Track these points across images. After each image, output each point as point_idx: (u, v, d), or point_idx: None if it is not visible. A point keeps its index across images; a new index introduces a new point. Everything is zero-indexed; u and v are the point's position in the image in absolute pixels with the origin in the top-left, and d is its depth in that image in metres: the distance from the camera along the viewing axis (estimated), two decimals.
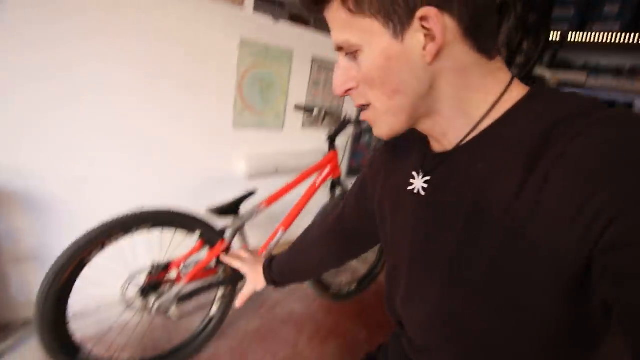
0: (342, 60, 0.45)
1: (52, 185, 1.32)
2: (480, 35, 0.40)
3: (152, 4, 1.33)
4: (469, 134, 0.44)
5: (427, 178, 0.50)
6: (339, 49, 0.44)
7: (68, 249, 0.99)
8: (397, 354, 0.67)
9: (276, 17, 1.67)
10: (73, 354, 1.06)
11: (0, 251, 1.29)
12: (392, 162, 0.61)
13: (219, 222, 1.33)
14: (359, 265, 2.23)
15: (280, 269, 0.84)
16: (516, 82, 0.43)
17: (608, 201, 0.31)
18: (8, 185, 1.24)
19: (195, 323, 1.42)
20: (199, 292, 1.27)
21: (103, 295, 1.30)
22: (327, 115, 1.74)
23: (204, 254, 1.31)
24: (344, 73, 0.45)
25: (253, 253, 1.02)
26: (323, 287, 1.76)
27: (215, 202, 1.31)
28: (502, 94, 0.42)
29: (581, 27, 3.50)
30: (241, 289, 1.42)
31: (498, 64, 0.43)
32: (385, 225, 0.61)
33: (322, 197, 1.72)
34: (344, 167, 1.90)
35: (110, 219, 1.06)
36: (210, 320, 1.39)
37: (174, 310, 1.22)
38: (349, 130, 2.01)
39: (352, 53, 0.43)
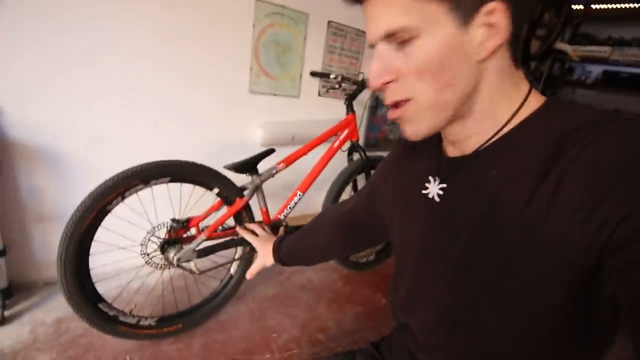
0: (382, 50, 0.42)
1: (73, 145, 1.33)
2: (517, 43, 0.42)
3: None
4: (490, 139, 0.44)
5: (444, 185, 0.50)
6: (388, 36, 0.41)
7: (89, 196, 0.98)
8: (402, 348, 0.66)
9: None
10: (94, 302, 1.06)
11: (24, 209, 1.31)
12: (404, 165, 0.62)
13: (238, 182, 1.31)
14: None
15: (288, 249, 0.87)
16: (534, 92, 0.44)
17: (617, 205, 0.32)
18: (33, 141, 1.25)
19: (214, 283, 1.41)
20: (218, 247, 1.26)
21: (124, 255, 1.30)
22: (344, 80, 1.69)
23: (224, 211, 1.30)
24: (384, 64, 0.42)
25: (267, 230, 1.09)
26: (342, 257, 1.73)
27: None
28: (523, 103, 0.43)
29: None
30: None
31: (521, 74, 0.45)
32: (394, 226, 0.62)
33: (339, 164, 1.69)
34: (360, 137, 1.86)
35: (130, 168, 1.04)
36: (230, 279, 1.38)
37: (193, 264, 1.21)
38: (365, 98, 1.97)
39: (404, 41, 0.40)
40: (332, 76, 1.71)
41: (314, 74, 1.87)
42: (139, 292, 1.39)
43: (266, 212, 1.41)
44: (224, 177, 1.24)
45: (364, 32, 2.04)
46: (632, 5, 3.12)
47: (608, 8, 3.28)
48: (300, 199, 1.48)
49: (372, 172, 1.67)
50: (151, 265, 1.18)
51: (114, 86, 1.35)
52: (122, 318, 1.12)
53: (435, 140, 0.55)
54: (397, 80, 0.42)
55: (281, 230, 1.42)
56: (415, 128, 0.45)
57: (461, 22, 0.38)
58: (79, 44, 1.24)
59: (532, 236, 0.38)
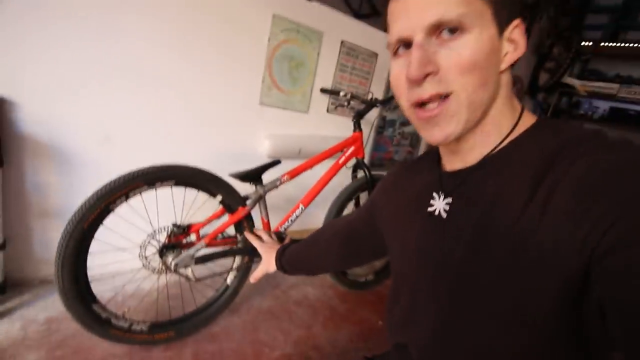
0: (424, 42, 0.42)
1: (83, 143, 1.34)
2: (513, 67, 0.46)
3: None
4: (492, 151, 0.47)
5: (449, 200, 0.51)
6: (435, 27, 0.41)
7: (94, 193, 0.99)
8: None
9: None
10: (88, 303, 1.05)
11: (27, 203, 1.31)
12: (405, 184, 0.63)
13: (242, 191, 1.32)
14: None
15: (291, 257, 0.89)
16: (526, 110, 0.49)
17: (604, 213, 0.33)
18: (44, 136, 1.26)
19: (209, 292, 1.39)
20: (216, 256, 1.25)
21: (121, 257, 1.29)
22: (353, 99, 1.72)
23: (225, 219, 1.29)
24: (427, 54, 0.41)
25: (273, 237, 1.12)
26: (340, 274, 1.71)
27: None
28: (519, 119, 0.47)
29: (614, 36, 3.43)
30: (258, 261, 1.41)
31: (513, 94, 0.49)
32: (394, 244, 0.63)
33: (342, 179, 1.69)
34: (366, 157, 1.87)
35: (136, 170, 1.05)
36: (226, 289, 1.36)
37: (190, 271, 1.20)
38: (372, 117, 1.99)
39: (451, 35, 0.41)
40: (341, 94, 1.75)
41: (324, 90, 1.90)
42: (133, 295, 1.37)
43: (267, 223, 1.40)
44: (228, 185, 1.24)
45: (375, 54, 2.09)
46: None
47: (617, 46, 3.34)
48: (302, 212, 1.48)
49: None
50: (148, 269, 1.17)
51: (129, 88, 1.38)
52: (114, 321, 1.10)
53: (435, 156, 0.57)
54: (438, 72, 0.42)
55: (287, 239, 1.41)
56: (450, 128, 0.44)
57: (499, 29, 0.42)
58: (100, 46, 1.27)
59: (526, 245, 0.39)
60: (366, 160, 1.68)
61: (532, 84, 3.39)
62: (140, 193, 1.09)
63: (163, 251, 1.18)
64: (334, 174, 1.53)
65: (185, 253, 1.16)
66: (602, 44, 3.39)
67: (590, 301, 0.37)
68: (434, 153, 0.58)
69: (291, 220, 1.47)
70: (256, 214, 1.36)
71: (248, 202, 1.30)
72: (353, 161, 1.65)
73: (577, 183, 0.36)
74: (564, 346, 0.41)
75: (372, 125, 1.90)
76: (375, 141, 2.33)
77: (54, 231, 1.36)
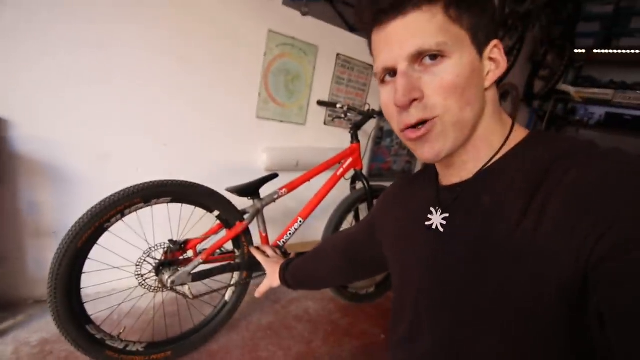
0: (408, 70, 0.44)
1: (78, 161, 1.34)
2: (499, 83, 0.49)
3: None
4: (485, 165, 0.48)
5: (446, 215, 0.51)
6: (417, 55, 0.43)
7: (88, 211, 0.97)
8: None
9: (304, 11, 1.70)
10: (82, 324, 1.02)
11: (21, 222, 1.29)
12: (405, 199, 0.64)
13: (240, 206, 1.30)
14: None
15: (294, 272, 0.90)
16: (517, 125, 0.50)
17: (597, 222, 0.34)
18: (39, 155, 1.25)
19: (207, 309, 1.36)
20: (214, 272, 1.23)
21: (117, 276, 1.27)
22: (350, 110, 1.72)
23: (223, 234, 1.28)
24: (411, 81, 0.44)
25: (278, 253, 1.13)
26: (341, 287, 1.68)
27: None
28: (510, 132, 0.49)
29: (606, 43, 3.48)
30: (257, 277, 1.38)
31: (502, 109, 0.50)
32: (396, 259, 0.63)
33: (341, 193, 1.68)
34: (364, 168, 1.87)
35: (132, 186, 1.04)
36: (224, 305, 1.34)
37: (188, 288, 1.18)
38: (369, 128, 1.99)
39: (432, 61, 0.43)
40: (338, 106, 1.75)
41: (321, 103, 1.90)
42: (129, 315, 1.34)
43: (266, 237, 1.39)
44: (225, 200, 1.23)
45: (371, 66, 2.11)
46: (632, 52, 3.21)
47: (609, 53, 3.38)
48: (300, 225, 1.46)
49: (374, 201, 1.66)
50: (144, 287, 1.14)
51: (125, 105, 1.38)
52: (109, 342, 1.07)
53: (432, 171, 0.58)
54: (422, 98, 0.44)
55: (292, 254, 1.40)
56: (439, 146, 0.46)
57: (478, 51, 0.45)
58: (93, 61, 1.27)
59: (523, 255, 0.40)
60: (364, 171, 1.67)
61: (527, 91, 3.42)
62: (136, 210, 1.07)
63: (159, 269, 1.15)
64: (333, 186, 1.52)
65: (182, 270, 1.14)
66: (595, 51, 3.43)
67: (589, 310, 0.37)
68: (431, 168, 0.59)
69: (290, 234, 1.45)
70: (254, 228, 1.34)
71: (246, 216, 1.28)
72: (351, 172, 1.65)
73: (570, 193, 0.37)
74: (562, 354, 0.40)
75: (369, 136, 1.90)
76: (373, 152, 2.33)
77: (49, 250, 1.34)
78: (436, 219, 0.52)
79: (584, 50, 3.44)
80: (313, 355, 1.39)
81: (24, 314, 1.32)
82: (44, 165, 1.27)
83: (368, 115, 1.64)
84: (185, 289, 1.18)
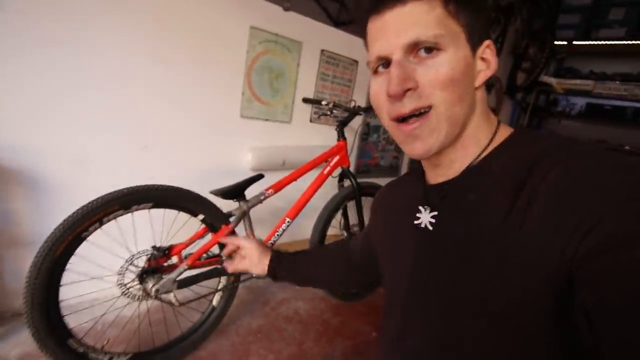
0: (402, 60, 0.44)
1: (54, 167, 1.28)
2: (488, 83, 0.49)
3: None
4: (472, 163, 0.49)
5: (435, 213, 0.52)
6: (413, 46, 0.43)
7: (64, 221, 0.93)
8: None
9: (286, 6, 1.67)
10: (63, 338, 0.98)
11: None
12: (393, 199, 0.65)
13: (225, 209, 1.27)
14: None
15: (288, 264, 0.84)
16: (502, 124, 0.51)
17: (581, 219, 0.34)
18: (10, 163, 1.19)
19: (195, 315, 1.33)
20: (200, 277, 1.20)
21: (98, 286, 1.22)
22: (335, 107, 1.70)
23: (208, 238, 1.24)
24: (406, 71, 0.44)
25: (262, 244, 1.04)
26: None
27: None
28: (496, 132, 0.49)
29: (586, 35, 3.52)
30: (244, 280, 1.36)
31: (489, 110, 0.51)
32: (386, 258, 0.64)
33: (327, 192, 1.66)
34: (352, 164, 1.85)
35: (109, 193, 1.00)
36: (212, 311, 1.31)
37: (173, 296, 1.14)
38: (356, 125, 1.97)
39: (428, 53, 0.43)
40: (324, 103, 1.72)
41: (306, 100, 1.87)
42: (112, 325, 1.30)
43: None
44: (210, 203, 1.19)
45: (356, 61, 2.08)
46: (611, 43, 3.27)
47: (590, 44, 3.43)
48: (288, 225, 1.44)
49: (363, 198, 1.65)
50: (128, 297, 1.10)
51: (103, 107, 1.32)
52: (92, 355, 1.04)
53: (419, 171, 0.59)
54: (416, 89, 0.44)
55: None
56: (430, 141, 0.46)
57: (472, 49, 0.45)
58: (66, 64, 1.22)
59: (510, 253, 0.40)
60: (352, 168, 1.66)
61: (510, 84, 3.45)
62: (116, 218, 1.03)
63: (143, 277, 1.12)
64: (320, 185, 1.50)
65: (167, 277, 1.11)
66: (575, 42, 3.48)
67: (576, 307, 0.37)
68: (418, 168, 0.59)
69: (278, 235, 1.42)
70: (241, 231, 1.31)
71: (232, 219, 1.25)
72: (339, 170, 1.63)
73: (553, 192, 0.38)
74: (550, 353, 0.41)
75: (356, 132, 1.89)
76: (360, 148, 2.32)
77: (26, 261, 1.28)
78: (425, 218, 0.53)
79: (565, 42, 3.49)
80: (305, 357, 1.38)
81: (2, 327, 1.26)
82: (17, 172, 1.21)
83: (354, 112, 1.62)
84: (171, 296, 1.14)
